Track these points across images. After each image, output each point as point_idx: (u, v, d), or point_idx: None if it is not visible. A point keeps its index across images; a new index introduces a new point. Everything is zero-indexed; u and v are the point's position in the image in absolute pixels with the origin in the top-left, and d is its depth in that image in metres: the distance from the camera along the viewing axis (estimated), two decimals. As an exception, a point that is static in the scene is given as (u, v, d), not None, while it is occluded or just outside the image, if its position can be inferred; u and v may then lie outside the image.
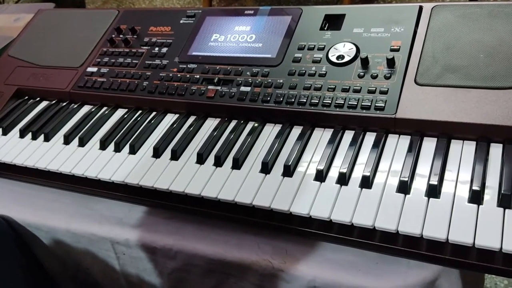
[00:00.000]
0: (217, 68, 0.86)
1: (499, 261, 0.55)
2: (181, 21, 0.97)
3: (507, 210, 0.57)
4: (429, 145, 0.68)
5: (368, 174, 0.64)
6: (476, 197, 0.58)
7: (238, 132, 0.78)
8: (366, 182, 0.64)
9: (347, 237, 0.62)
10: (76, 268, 0.84)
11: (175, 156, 0.76)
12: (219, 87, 0.83)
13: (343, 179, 0.65)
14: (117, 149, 0.81)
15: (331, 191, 0.65)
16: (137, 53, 0.95)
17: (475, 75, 0.69)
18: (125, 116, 0.88)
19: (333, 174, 0.67)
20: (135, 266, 0.78)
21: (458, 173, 0.63)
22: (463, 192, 0.60)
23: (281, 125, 0.77)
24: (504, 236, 0.54)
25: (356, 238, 0.61)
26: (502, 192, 0.57)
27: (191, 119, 0.84)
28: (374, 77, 0.74)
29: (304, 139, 0.73)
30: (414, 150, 0.67)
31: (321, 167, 0.67)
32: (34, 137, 0.89)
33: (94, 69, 0.96)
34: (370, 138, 0.71)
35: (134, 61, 0.94)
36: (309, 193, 0.65)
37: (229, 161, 0.73)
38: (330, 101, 0.74)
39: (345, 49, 0.79)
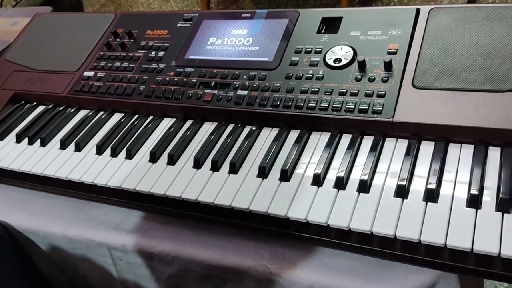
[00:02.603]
0: (214, 71, 0.85)
1: (497, 266, 0.54)
2: (178, 25, 0.97)
3: (505, 215, 0.56)
4: (427, 148, 0.67)
5: (365, 178, 0.64)
6: (474, 202, 0.58)
7: (235, 136, 0.77)
8: (364, 187, 0.64)
9: (345, 242, 0.61)
10: (73, 274, 0.84)
11: (172, 160, 0.76)
12: (216, 91, 0.83)
13: (340, 184, 0.65)
14: (114, 154, 0.81)
15: (328, 196, 0.64)
16: (134, 57, 0.95)
17: (472, 78, 0.69)
18: (122, 120, 0.87)
19: (331, 178, 0.67)
20: (132, 272, 0.77)
21: (456, 177, 0.62)
22: (461, 196, 0.60)
23: (278, 129, 0.77)
24: (502, 241, 0.54)
25: (354, 243, 0.61)
26: (500, 196, 0.57)
27: (188, 123, 0.84)
28: (371, 80, 0.74)
29: (301, 143, 0.73)
30: (412, 154, 0.66)
31: (318, 172, 0.67)
32: (31, 142, 0.88)
33: (91, 73, 0.96)
34: (367, 142, 0.71)
35: (131, 65, 0.93)
36: (307, 197, 0.65)
37: (226, 166, 0.73)
38: (327, 105, 0.74)
39: (342, 52, 0.79)
